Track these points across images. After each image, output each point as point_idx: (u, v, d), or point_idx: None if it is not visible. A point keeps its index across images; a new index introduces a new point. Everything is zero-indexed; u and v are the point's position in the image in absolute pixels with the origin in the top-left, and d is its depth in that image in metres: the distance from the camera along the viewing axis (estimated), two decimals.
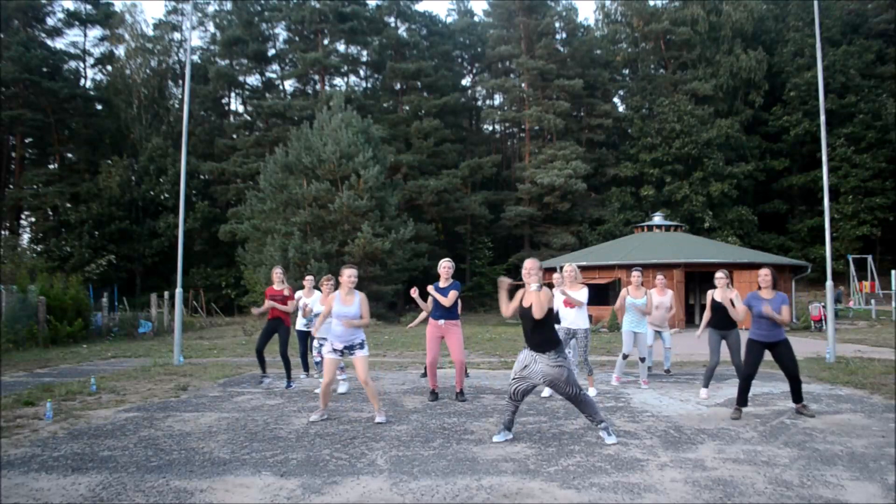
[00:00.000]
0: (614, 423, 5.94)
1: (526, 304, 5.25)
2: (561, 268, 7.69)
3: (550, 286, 7.69)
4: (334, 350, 6.08)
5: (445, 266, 7.23)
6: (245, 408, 6.93)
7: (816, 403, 6.79)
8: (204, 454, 4.94)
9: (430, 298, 7.24)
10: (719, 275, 7.22)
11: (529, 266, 5.29)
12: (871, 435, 5.40)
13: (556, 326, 6.71)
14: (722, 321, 7.02)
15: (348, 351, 6.08)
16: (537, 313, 5.10)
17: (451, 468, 4.53)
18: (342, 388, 7.87)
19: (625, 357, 8.29)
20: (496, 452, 4.93)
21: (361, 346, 6.10)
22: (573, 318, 7.51)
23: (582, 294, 7.38)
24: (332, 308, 6.06)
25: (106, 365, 11.67)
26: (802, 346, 12.42)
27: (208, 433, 5.68)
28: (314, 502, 3.88)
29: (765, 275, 6.16)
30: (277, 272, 8.52)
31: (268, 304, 8.32)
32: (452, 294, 7.07)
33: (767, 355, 6.21)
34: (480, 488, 4.07)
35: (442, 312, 7.12)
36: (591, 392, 7.51)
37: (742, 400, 6.21)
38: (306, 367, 9.24)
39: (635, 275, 8.21)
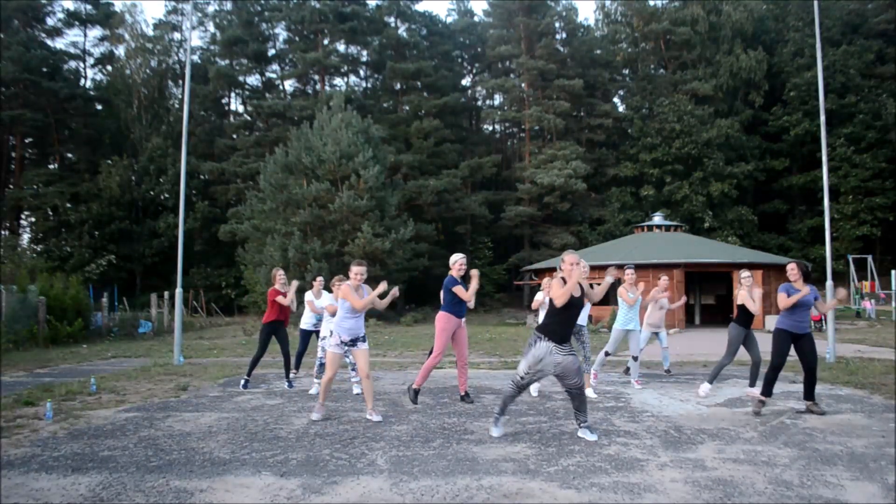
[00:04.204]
0: (614, 423, 5.95)
1: (577, 294, 5.40)
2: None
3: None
4: (342, 342, 6.17)
5: (461, 263, 7.12)
6: (245, 408, 6.94)
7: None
8: (204, 454, 4.95)
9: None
10: (745, 274, 7.42)
11: (572, 259, 5.33)
12: (871, 435, 5.41)
13: None
14: (749, 320, 7.29)
15: (351, 344, 6.19)
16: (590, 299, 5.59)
17: (451, 468, 4.53)
18: (357, 389, 7.70)
19: (607, 354, 8.24)
20: (496, 452, 4.93)
21: (363, 339, 6.30)
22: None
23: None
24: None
25: (106, 365, 11.68)
26: None
27: (208, 433, 5.68)
28: (314, 502, 3.88)
29: (792, 269, 6.43)
30: (280, 273, 8.50)
31: (291, 294, 8.29)
32: (473, 289, 7.04)
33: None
34: (480, 488, 4.07)
35: (465, 308, 7.11)
36: (589, 392, 7.49)
37: (768, 391, 6.37)
38: (298, 367, 9.04)
39: (629, 272, 8.29)
